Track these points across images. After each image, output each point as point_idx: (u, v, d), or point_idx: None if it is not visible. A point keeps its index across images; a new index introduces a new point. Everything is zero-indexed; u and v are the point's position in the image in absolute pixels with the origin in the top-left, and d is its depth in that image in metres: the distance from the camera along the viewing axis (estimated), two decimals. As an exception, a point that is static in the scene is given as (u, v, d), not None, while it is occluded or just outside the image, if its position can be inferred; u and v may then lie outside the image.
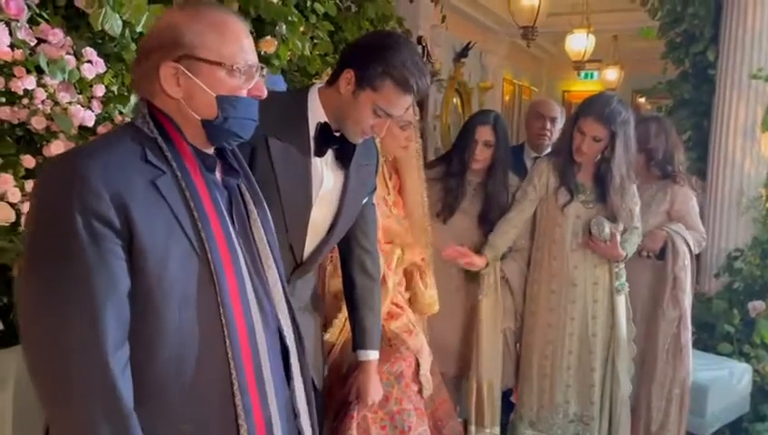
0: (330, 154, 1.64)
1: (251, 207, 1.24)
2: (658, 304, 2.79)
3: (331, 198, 1.67)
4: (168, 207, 1.05)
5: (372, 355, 1.83)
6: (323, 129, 1.61)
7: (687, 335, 2.81)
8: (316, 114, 1.62)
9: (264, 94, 1.17)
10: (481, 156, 2.56)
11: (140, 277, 1.03)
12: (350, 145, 1.64)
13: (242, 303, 1.11)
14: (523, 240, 2.70)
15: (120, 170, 1.03)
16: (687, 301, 2.79)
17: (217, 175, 1.18)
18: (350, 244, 1.82)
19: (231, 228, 1.14)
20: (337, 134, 1.63)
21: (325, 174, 1.64)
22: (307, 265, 1.68)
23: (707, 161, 3.79)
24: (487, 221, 2.62)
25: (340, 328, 2.01)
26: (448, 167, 2.65)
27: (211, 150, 1.18)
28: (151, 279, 1.03)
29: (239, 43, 1.13)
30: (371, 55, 1.57)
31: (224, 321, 1.08)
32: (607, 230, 2.47)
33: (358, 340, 1.83)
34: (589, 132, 2.44)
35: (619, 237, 2.50)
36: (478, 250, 2.58)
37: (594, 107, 2.46)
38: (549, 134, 3.27)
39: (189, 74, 1.09)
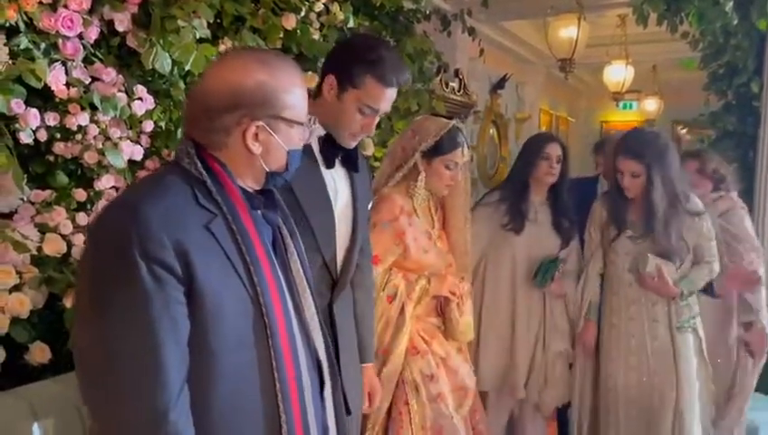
0: (336, 166, 1.69)
1: (288, 240, 1.26)
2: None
3: (346, 206, 1.72)
4: (222, 251, 1.06)
5: (370, 363, 1.91)
6: (326, 141, 1.66)
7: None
8: (314, 129, 1.66)
9: (308, 139, 1.21)
10: (556, 170, 2.67)
11: (198, 321, 1.03)
12: (352, 150, 1.70)
13: (290, 343, 1.12)
14: (572, 263, 2.75)
15: (178, 216, 1.03)
16: None
17: (259, 211, 1.19)
18: None
19: (278, 267, 1.15)
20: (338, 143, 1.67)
21: (338, 185, 1.70)
22: (343, 280, 1.71)
23: (753, 194, 3.70)
24: (562, 227, 2.72)
25: None
26: (510, 188, 2.74)
27: (255, 189, 1.19)
28: (208, 323, 1.04)
29: (305, 98, 1.17)
30: (349, 57, 1.62)
31: (275, 364, 1.09)
32: (649, 267, 2.43)
33: (360, 355, 1.86)
34: (625, 170, 2.47)
35: (668, 274, 2.44)
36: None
37: (626, 144, 2.49)
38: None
39: (271, 132, 1.12)
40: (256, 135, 1.11)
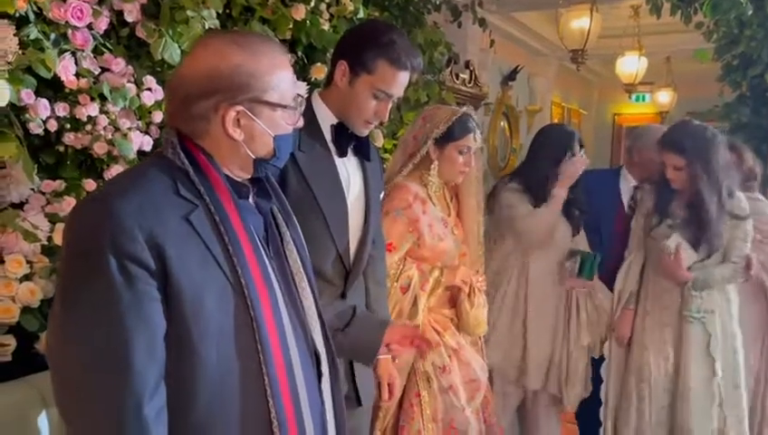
0: (348, 155, 1.68)
1: (283, 229, 1.22)
2: None
3: (359, 195, 1.71)
4: (202, 243, 1.02)
5: (387, 355, 1.84)
6: (338, 129, 1.64)
7: None
8: (326, 118, 1.66)
9: (301, 123, 1.17)
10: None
11: (177, 316, 1.00)
12: (364, 139, 1.69)
13: (278, 334, 1.08)
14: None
15: (154, 209, 0.99)
16: None
17: (250, 200, 1.15)
18: None
19: (265, 257, 1.11)
20: (350, 131, 1.66)
21: (350, 174, 1.69)
22: (356, 270, 1.71)
23: (766, 186, 3.65)
24: (572, 216, 2.71)
25: None
26: (531, 180, 2.66)
27: (245, 178, 1.15)
28: (188, 317, 1.00)
29: (291, 80, 1.12)
30: (361, 42, 1.61)
31: (261, 357, 1.05)
32: (668, 242, 2.44)
33: None
34: (668, 162, 2.48)
35: (685, 256, 2.44)
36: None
37: (669, 136, 2.50)
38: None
39: (253, 117, 1.07)
40: (237, 121, 1.06)
